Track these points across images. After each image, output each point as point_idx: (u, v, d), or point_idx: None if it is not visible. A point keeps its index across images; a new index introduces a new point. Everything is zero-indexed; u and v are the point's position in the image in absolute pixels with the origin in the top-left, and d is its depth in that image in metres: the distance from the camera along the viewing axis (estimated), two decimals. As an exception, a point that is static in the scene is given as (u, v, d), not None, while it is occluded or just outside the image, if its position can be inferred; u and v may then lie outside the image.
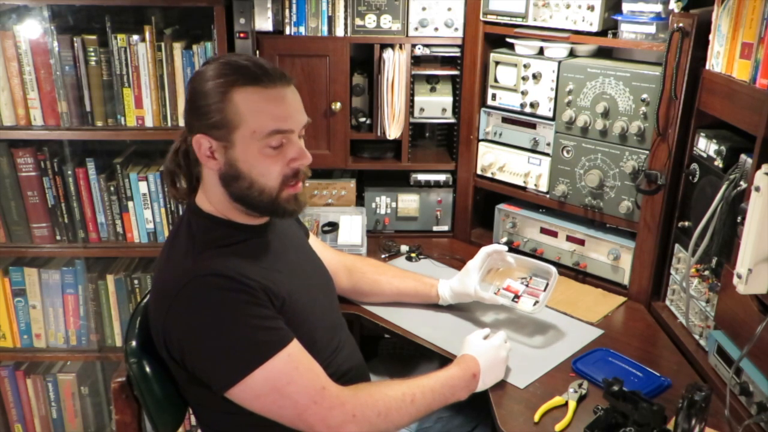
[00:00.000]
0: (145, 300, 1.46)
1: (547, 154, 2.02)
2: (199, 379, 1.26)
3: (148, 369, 1.37)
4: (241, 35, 2.01)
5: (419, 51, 2.15)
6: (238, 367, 1.21)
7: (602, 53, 1.99)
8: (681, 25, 1.62)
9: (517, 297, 1.70)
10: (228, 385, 1.22)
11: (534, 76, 1.97)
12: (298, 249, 1.51)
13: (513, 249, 2.14)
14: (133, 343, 1.38)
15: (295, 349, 1.25)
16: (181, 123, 2.14)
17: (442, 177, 2.27)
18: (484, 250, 1.73)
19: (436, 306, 1.80)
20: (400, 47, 2.13)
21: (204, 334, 1.22)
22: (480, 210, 2.31)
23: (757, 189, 1.21)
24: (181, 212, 2.25)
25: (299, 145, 1.31)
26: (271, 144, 1.26)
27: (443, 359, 1.61)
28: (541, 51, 2.00)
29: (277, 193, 1.30)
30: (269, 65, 1.29)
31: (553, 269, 1.68)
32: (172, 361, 1.29)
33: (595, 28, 1.83)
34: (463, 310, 1.78)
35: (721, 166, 1.50)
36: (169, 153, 1.39)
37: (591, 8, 1.82)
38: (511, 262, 1.74)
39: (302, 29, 2.11)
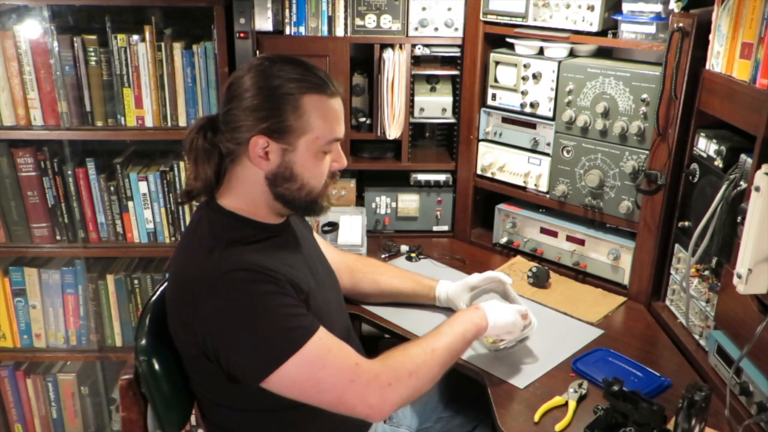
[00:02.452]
0: (154, 297, 1.46)
1: (547, 154, 2.02)
2: (227, 375, 1.26)
3: (157, 366, 1.37)
4: (241, 35, 2.02)
5: (419, 51, 2.15)
6: (273, 356, 1.21)
7: (602, 53, 2.00)
8: (681, 25, 1.62)
9: None
10: (264, 375, 1.22)
11: (534, 76, 1.97)
12: (310, 248, 1.52)
13: (513, 249, 2.15)
14: (143, 341, 1.39)
15: (323, 332, 1.26)
16: (182, 123, 2.16)
17: (442, 177, 2.27)
18: (489, 275, 1.72)
19: (435, 306, 1.79)
20: (400, 47, 2.13)
21: (237, 327, 1.22)
22: (480, 210, 2.31)
23: (757, 189, 1.21)
24: (180, 211, 2.26)
25: (340, 149, 1.38)
26: (326, 150, 1.32)
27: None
28: (541, 51, 2.00)
29: (320, 192, 1.36)
30: (327, 73, 1.34)
31: (534, 324, 1.60)
32: (205, 359, 1.28)
33: (595, 28, 1.83)
34: (463, 310, 1.78)
35: (721, 166, 1.50)
36: (196, 145, 1.34)
37: (591, 8, 1.82)
38: (510, 297, 1.70)
39: (302, 29, 2.11)
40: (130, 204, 2.25)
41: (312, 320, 1.26)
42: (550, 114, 1.97)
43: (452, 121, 2.24)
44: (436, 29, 2.13)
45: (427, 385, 1.34)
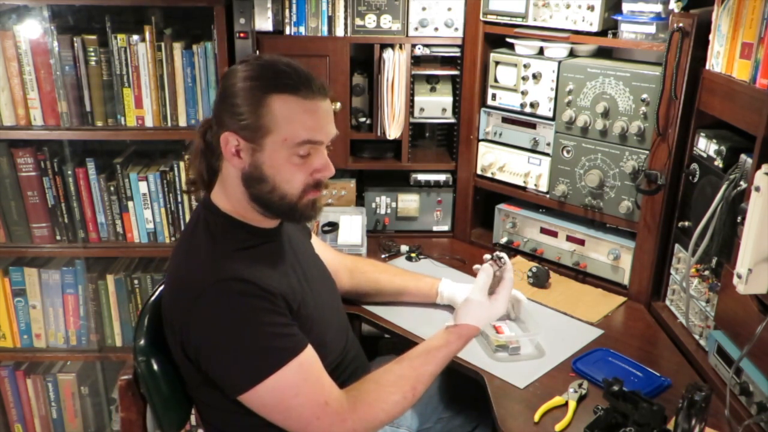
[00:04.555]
0: (153, 298, 1.46)
1: (547, 154, 2.02)
2: (212, 381, 1.27)
3: (156, 367, 1.37)
4: (241, 35, 2.02)
5: (419, 51, 2.15)
6: (250, 374, 1.22)
7: (602, 53, 1.99)
8: (681, 25, 1.62)
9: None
10: (239, 392, 1.23)
11: (534, 76, 1.97)
12: (305, 252, 1.51)
13: (513, 249, 2.15)
14: (142, 341, 1.39)
15: (306, 357, 1.26)
16: (182, 123, 2.16)
17: (442, 177, 2.27)
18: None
19: (435, 305, 1.79)
20: (400, 47, 2.13)
21: (222, 338, 1.23)
22: (480, 210, 2.31)
23: (757, 189, 1.21)
24: (180, 211, 2.26)
25: (325, 157, 1.32)
26: (299, 153, 1.28)
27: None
28: (541, 51, 2.00)
29: (297, 199, 1.31)
30: (310, 75, 1.29)
31: (522, 300, 1.59)
32: (187, 361, 1.29)
33: (595, 28, 1.83)
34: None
35: (721, 166, 1.50)
36: (196, 141, 1.37)
37: (591, 8, 1.82)
38: (524, 314, 1.70)
39: (302, 29, 2.11)
40: (130, 204, 2.25)
41: (297, 341, 1.26)
42: (550, 114, 1.97)
43: (452, 121, 2.24)
44: (436, 29, 2.13)
45: (394, 418, 1.34)
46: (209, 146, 1.35)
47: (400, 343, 1.76)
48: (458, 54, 2.14)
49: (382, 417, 1.30)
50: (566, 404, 1.44)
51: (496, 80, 2.07)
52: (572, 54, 1.99)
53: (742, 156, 1.42)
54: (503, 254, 1.55)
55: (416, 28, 2.13)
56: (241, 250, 1.30)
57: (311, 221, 1.40)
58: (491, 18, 2.02)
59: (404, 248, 2.17)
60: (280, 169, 1.28)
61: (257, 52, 2.06)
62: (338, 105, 2.15)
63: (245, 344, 1.22)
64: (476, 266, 1.58)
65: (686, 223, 1.69)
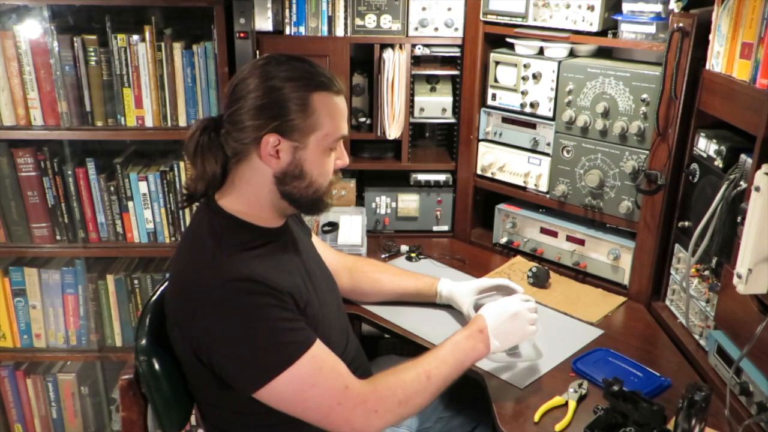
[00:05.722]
0: (154, 297, 1.46)
1: (547, 154, 2.02)
2: (221, 379, 1.27)
3: (157, 367, 1.37)
4: (241, 35, 2.02)
5: (419, 51, 2.15)
6: (264, 370, 1.22)
7: (602, 53, 1.99)
8: (681, 25, 1.62)
9: None
10: (254, 389, 1.23)
11: (534, 76, 1.97)
12: (307, 252, 1.52)
13: (513, 249, 2.15)
14: (143, 341, 1.39)
15: (318, 349, 1.26)
16: (182, 123, 2.16)
17: (442, 177, 2.27)
18: (500, 282, 1.72)
19: (435, 305, 1.80)
20: (400, 47, 2.13)
21: (233, 337, 1.23)
22: (480, 210, 2.31)
23: (757, 189, 1.21)
24: (180, 211, 2.26)
25: (343, 147, 1.39)
26: (333, 147, 1.34)
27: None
28: (541, 51, 2.00)
29: (325, 189, 1.37)
30: (331, 72, 1.36)
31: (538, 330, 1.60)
32: (198, 363, 1.29)
33: (595, 28, 1.83)
34: (463, 310, 1.78)
35: (721, 166, 1.50)
36: (202, 144, 1.33)
37: (591, 8, 1.82)
38: None
39: (302, 29, 2.12)
40: (130, 204, 2.25)
41: (307, 335, 1.26)
42: (550, 114, 1.97)
43: (452, 121, 2.24)
44: (436, 29, 2.13)
45: (414, 412, 1.35)
46: (218, 149, 1.33)
47: (400, 343, 1.76)
48: (458, 54, 2.15)
49: (400, 396, 1.30)
50: (566, 404, 1.44)
51: (496, 80, 2.07)
52: (572, 54, 1.99)
53: (742, 156, 1.42)
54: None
55: (416, 28, 2.13)
56: (247, 250, 1.30)
57: (329, 209, 1.42)
58: (491, 18, 2.02)
59: (404, 248, 2.17)
60: (318, 164, 1.33)
61: (257, 52, 2.06)
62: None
63: (257, 342, 1.22)
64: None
65: (686, 223, 1.69)
